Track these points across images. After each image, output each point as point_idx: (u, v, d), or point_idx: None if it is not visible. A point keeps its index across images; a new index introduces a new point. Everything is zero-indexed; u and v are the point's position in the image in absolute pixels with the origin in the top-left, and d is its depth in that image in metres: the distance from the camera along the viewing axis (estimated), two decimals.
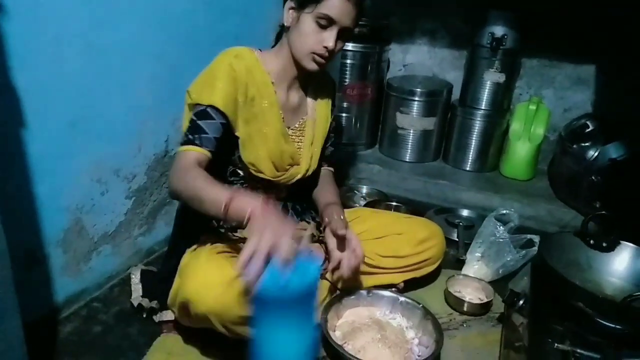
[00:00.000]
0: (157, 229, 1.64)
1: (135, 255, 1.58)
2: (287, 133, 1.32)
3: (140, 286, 1.37)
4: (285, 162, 1.31)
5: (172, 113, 1.55)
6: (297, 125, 1.35)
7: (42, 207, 1.21)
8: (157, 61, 1.47)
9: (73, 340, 1.26)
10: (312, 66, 1.24)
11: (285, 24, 1.24)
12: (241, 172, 1.29)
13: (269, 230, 0.91)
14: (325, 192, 1.45)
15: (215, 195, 1.05)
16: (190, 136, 1.15)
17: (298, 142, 1.35)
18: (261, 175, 1.28)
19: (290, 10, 1.23)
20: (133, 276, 1.40)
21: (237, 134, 1.23)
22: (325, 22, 1.19)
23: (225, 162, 1.28)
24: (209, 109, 1.16)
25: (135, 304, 1.32)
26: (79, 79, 1.23)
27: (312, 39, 1.20)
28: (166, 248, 1.45)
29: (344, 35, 1.22)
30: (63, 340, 1.25)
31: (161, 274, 1.35)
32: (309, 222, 1.45)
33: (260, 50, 1.29)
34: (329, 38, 1.20)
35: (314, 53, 1.22)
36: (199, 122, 1.16)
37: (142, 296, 1.34)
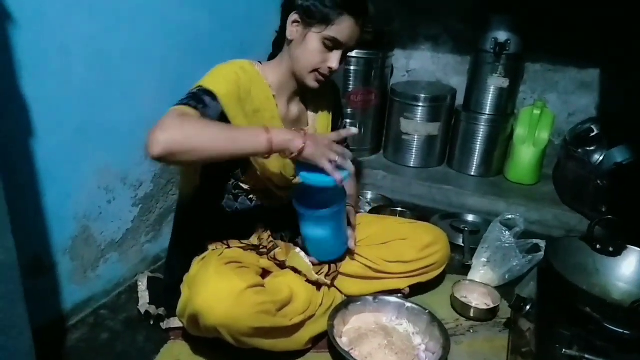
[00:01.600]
0: (164, 236, 1.64)
1: (142, 263, 1.58)
2: None
3: (147, 293, 1.38)
4: (289, 173, 1.32)
5: None
6: None
7: (50, 215, 1.22)
8: (162, 69, 1.48)
9: (81, 348, 1.26)
10: (313, 84, 1.25)
11: (289, 37, 1.22)
12: (245, 186, 1.29)
13: (321, 147, 1.11)
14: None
15: (248, 132, 1.08)
16: (191, 102, 1.07)
17: None
18: (270, 185, 1.29)
19: (294, 24, 1.21)
20: (140, 283, 1.41)
21: None
22: (332, 44, 1.19)
23: (227, 176, 1.27)
24: (213, 93, 1.11)
25: (143, 311, 1.33)
26: (85, 87, 1.24)
27: (317, 58, 1.20)
28: None
29: (345, 53, 1.24)
30: (71, 348, 1.26)
31: (166, 282, 1.36)
32: None
33: (260, 63, 1.28)
34: (335, 59, 1.21)
35: (316, 71, 1.22)
36: (203, 96, 1.10)
37: (150, 303, 1.34)
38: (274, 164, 1.26)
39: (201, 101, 1.09)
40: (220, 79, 1.16)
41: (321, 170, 1.12)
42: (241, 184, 1.29)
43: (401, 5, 2.40)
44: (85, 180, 1.31)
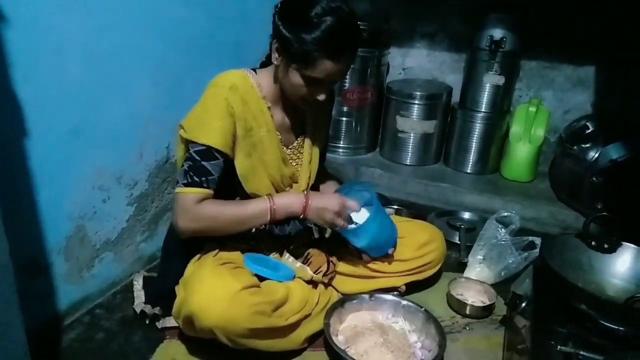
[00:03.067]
0: (159, 235, 1.63)
1: (137, 262, 1.58)
2: (286, 157, 1.31)
3: (142, 292, 1.37)
4: (286, 184, 1.32)
5: (173, 120, 1.55)
6: (295, 144, 1.35)
7: (45, 215, 1.22)
8: (158, 68, 1.47)
9: (76, 348, 1.26)
10: (302, 107, 1.25)
11: (274, 62, 1.18)
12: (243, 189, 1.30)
13: (328, 213, 1.21)
14: (327, 186, 1.52)
15: (254, 210, 1.18)
16: (195, 178, 1.14)
17: (296, 159, 1.36)
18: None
19: (278, 53, 1.15)
20: (135, 282, 1.41)
21: (236, 167, 1.22)
22: (315, 82, 1.15)
23: (227, 191, 1.28)
24: (210, 149, 1.14)
25: (138, 311, 1.32)
26: (80, 87, 1.24)
27: (302, 91, 1.17)
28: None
29: (334, 83, 1.22)
30: (66, 348, 1.25)
31: (161, 282, 1.36)
32: (311, 227, 1.44)
33: (255, 71, 1.25)
34: (321, 93, 1.18)
35: (305, 100, 1.20)
36: (203, 162, 1.14)
37: (145, 302, 1.34)
38: (267, 189, 1.27)
39: (204, 171, 1.14)
40: (212, 123, 1.14)
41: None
42: (241, 193, 1.29)
43: (397, 3, 2.40)
44: (80, 180, 1.31)
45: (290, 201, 1.21)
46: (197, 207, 1.14)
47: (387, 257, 1.42)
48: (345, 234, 1.32)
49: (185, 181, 1.14)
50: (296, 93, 1.19)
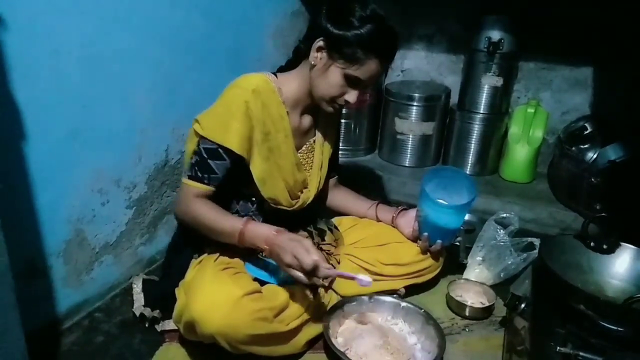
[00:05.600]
0: (158, 238, 1.64)
1: (136, 265, 1.58)
2: (300, 162, 1.32)
3: (142, 295, 1.37)
4: (297, 189, 1.32)
5: (172, 122, 1.56)
6: (304, 148, 1.35)
7: (43, 218, 1.22)
8: (156, 71, 1.47)
9: (75, 351, 1.26)
10: (328, 110, 1.25)
11: (311, 62, 1.19)
12: (251, 205, 1.30)
13: (289, 256, 1.08)
14: (357, 200, 1.55)
15: (227, 226, 1.16)
16: (199, 173, 1.18)
17: (305, 164, 1.36)
18: (279, 207, 1.29)
19: (319, 51, 1.17)
20: (135, 286, 1.41)
21: (253, 171, 1.22)
22: (354, 82, 1.18)
23: (235, 194, 1.28)
24: (220, 149, 1.16)
25: (137, 314, 1.32)
26: (78, 90, 1.24)
27: (337, 90, 1.19)
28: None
29: (365, 88, 1.25)
30: (65, 351, 1.25)
31: (163, 284, 1.35)
32: (311, 230, 1.44)
33: (276, 75, 1.26)
34: (354, 95, 1.21)
35: (334, 102, 1.22)
36: (209, 160, 1.16)
37: (144, 305, 1.34)
38: (283, 193, 1.28)
39: (208, 169, 1.17)
40: (231, 125, 1.15)
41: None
42: (249, 204, 1.31)
43: (395, 5, 2.41)
44: (79, 183, 1.30)
45: (259, 235, 1.14)
46: (191, 200, 1.18)
47: (439, 249, 1.45)
48: (444, 210, 1.40)
49: (190, 173, 1.18)
50: (329, 93, 1.20)
